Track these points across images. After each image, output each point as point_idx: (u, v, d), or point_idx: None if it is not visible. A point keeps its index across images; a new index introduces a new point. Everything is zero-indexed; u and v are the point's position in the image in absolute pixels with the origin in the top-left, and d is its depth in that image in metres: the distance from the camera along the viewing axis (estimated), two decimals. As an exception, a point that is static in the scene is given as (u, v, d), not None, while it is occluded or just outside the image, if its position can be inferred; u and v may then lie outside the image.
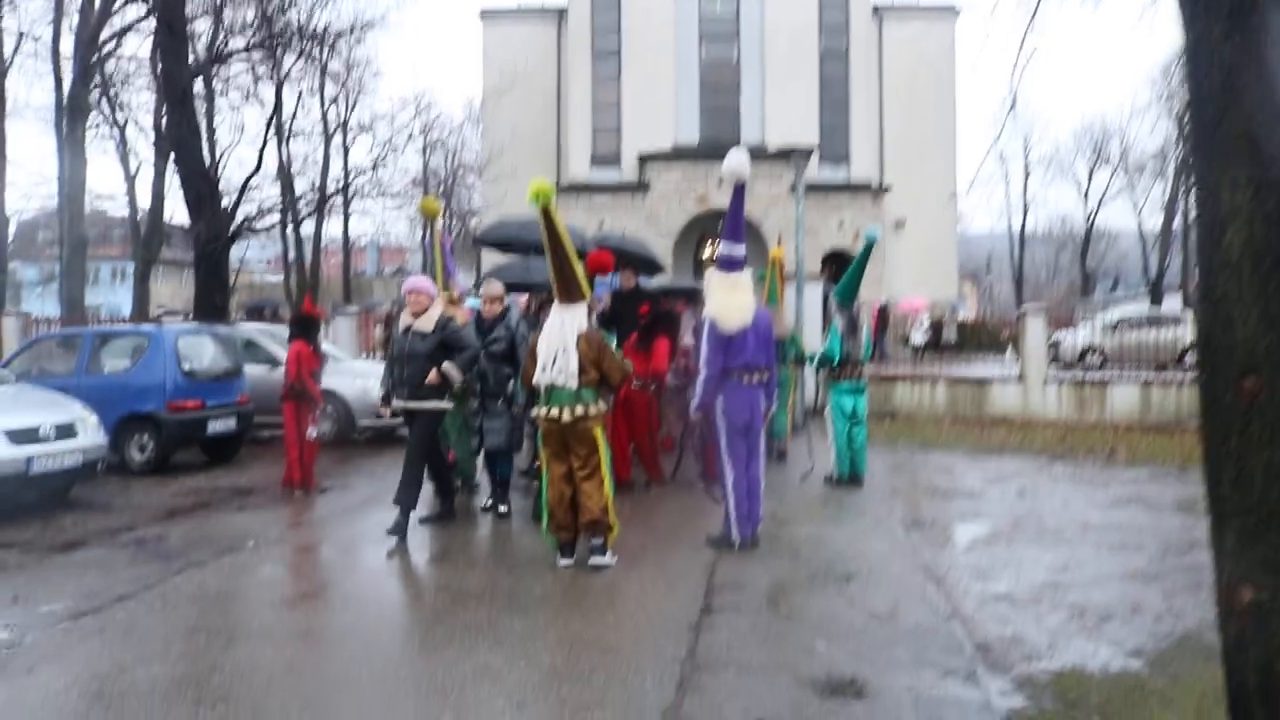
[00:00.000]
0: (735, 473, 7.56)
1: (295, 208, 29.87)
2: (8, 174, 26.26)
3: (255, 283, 58.37)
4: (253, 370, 13.89)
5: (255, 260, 60.22)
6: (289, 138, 38.16)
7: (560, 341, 7.06)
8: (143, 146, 31.62)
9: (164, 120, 23.54)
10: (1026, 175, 58.59)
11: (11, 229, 30.36)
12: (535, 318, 10.01)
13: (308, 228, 41.15)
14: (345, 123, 40.15)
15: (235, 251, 38.72)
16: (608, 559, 7.12)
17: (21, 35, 27.10)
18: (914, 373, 19.84)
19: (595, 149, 34.69)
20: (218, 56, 20.99)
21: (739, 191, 7.47)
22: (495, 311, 9.09)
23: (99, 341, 12.93)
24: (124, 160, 32.42)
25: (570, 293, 7.18)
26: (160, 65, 20.22)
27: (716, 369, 7.48)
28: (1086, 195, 57.89)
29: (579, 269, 7.22)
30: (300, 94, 38.20)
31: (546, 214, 6.93)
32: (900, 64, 36.74)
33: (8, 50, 26.88)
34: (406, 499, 8.04)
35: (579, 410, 7.01)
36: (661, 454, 11.00)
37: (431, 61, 79.89)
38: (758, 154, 31.84)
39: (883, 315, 28.12)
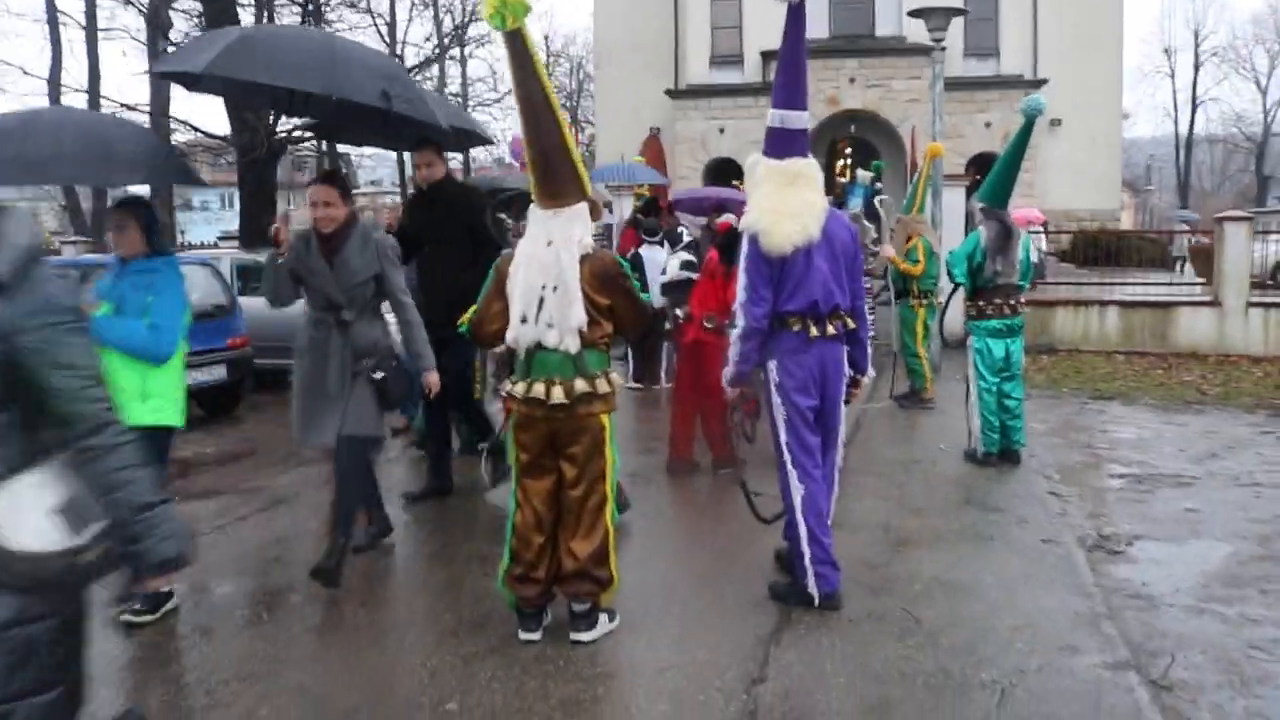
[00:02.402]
0: (805, 486, 4.54)
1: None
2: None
3: (391, 204, 55.75)
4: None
5: (391, 181, 57.21)
6: (401, 49, 35.91)
7: (551, 274, 4.13)
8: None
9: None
10: (1196, 68, 52.70)
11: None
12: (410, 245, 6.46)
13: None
14: (461, 27, 37.08)
15: (364, 174, 36.73)
16: (599, 630, 4.36)
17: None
18: (1078, 296, 16.40)
19: (715, 48, 31.31)
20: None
21: (797, 17, 4.34)
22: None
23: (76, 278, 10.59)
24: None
25: (560, 187, 4.18)
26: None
27: (761, 316, 4.49)
28: (1265, 90, 51.98)
29: (572, 142, 4.21)
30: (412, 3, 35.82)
31: (517, 41, 3.89)
32: (1058, -62, 32.05)
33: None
34: None
35: (580, 387, 4.15)
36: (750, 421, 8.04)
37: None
38: (894, 48, 28.23)
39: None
